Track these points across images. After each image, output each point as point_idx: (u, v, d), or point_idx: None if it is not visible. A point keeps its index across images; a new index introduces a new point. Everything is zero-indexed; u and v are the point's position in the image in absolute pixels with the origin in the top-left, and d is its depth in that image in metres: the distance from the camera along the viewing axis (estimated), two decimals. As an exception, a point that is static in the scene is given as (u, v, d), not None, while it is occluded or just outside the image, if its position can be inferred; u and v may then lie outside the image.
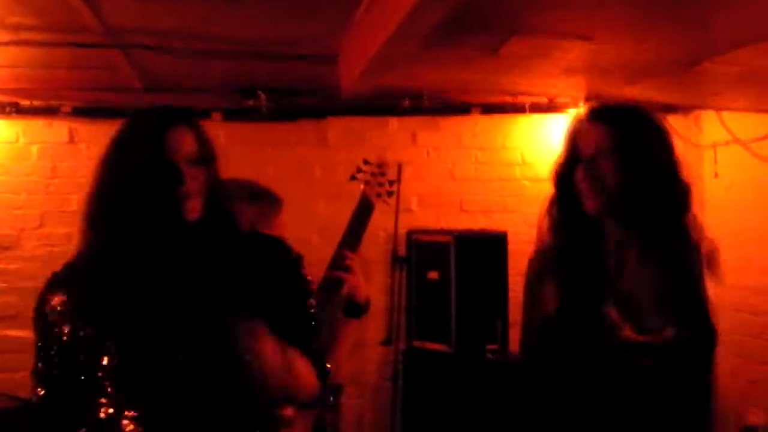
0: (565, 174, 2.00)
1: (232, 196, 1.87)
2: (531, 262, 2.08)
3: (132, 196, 1.63)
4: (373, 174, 2.76)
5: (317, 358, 1.91)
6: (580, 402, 1.86)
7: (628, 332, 1.84)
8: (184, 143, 1.69)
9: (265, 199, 2.65)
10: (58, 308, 1.70)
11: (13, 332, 4.52)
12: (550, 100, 5.19)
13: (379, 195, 2.75)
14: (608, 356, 1.83)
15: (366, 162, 2.78)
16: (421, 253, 5.14)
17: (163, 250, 1.67)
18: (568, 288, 1.92)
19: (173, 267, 1.68)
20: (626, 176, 1.87)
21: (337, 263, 2.60)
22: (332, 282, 2.56)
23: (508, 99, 5.23)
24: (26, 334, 4.45)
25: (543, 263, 2.01)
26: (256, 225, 2.39)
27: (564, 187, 2.00)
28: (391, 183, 2.79)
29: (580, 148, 1.95)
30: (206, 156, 1.73)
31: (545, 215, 2.04)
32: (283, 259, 1.85)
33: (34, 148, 5.20)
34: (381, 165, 2.78)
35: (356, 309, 2.57)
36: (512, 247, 4.93)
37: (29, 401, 1.76)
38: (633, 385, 1.82)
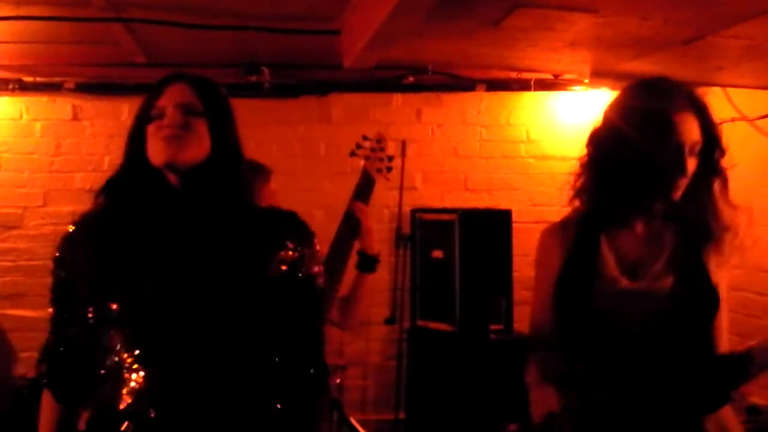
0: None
1: None
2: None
3: None
4: (372, 149, 2.84)
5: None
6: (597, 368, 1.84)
7: (625, 283, 1.85)
8: None
9: (257, 172, 2.69)
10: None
11: (18, 311, 4.49)
12: (556, 77, 5.15)
13: (379, 170, 2.84)
14: (608, 309, 1.83)
15: (365, 138, 2.86)
16: (425, 231, 5.13)
17: None
18: (568, 250, 1.93)
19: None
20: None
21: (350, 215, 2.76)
22: (349, 226, 2.73)
23: (513, 75, 5.20)
24: (32, 313, 4.45)
25: (552, 231, 2.02)
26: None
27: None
28: (390, 158, 2.88)
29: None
30: None
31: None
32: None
33: (38, 125, 5.18)
34: (380, 140, 2.85)
35: (369, 262, 2.77)
36: (517, 225, 4.90)
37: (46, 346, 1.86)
38: (638, 337, 1.81)
